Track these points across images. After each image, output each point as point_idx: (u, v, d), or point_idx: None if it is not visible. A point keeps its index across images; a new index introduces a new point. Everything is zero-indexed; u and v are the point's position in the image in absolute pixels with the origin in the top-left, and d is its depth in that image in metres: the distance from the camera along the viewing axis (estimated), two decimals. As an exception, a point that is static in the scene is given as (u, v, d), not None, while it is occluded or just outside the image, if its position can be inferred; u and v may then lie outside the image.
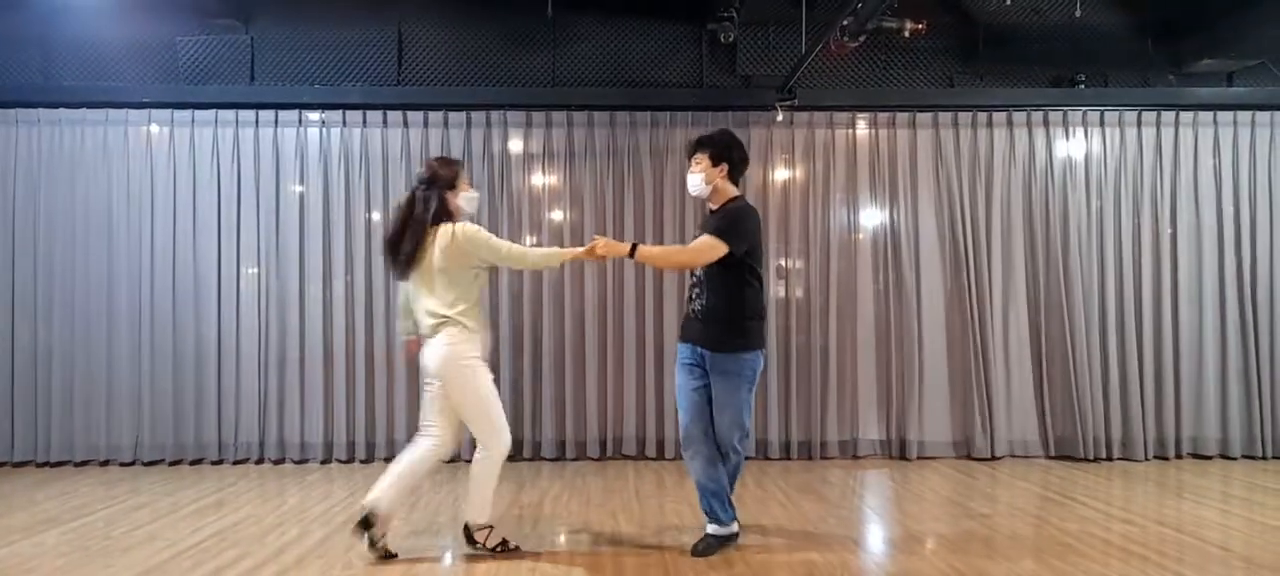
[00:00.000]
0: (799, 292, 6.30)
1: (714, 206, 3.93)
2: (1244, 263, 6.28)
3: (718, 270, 3.78)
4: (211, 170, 6.15)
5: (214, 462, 6.06)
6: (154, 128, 6.16)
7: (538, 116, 6.28)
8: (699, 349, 3.86)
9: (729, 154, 3.90)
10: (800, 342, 6.26)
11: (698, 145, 3.92)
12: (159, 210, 6.13)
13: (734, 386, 3.80)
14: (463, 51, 6.24)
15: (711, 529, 3.93)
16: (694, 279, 3.92)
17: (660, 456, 6.17)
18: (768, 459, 6.14)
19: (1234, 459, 6.16)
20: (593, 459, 6.15)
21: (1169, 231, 6.30)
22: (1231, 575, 3.55)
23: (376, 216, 6.21)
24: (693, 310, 3.90)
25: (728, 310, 3.79)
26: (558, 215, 6.28)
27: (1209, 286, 6.27)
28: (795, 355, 6.24)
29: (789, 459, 6.15)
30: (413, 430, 5.99)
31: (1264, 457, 6.16)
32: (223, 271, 6.13)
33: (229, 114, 6.15)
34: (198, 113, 6.14)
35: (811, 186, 6.33)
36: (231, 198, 6.15)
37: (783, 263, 6.31)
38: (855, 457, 6.21)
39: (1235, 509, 4.74)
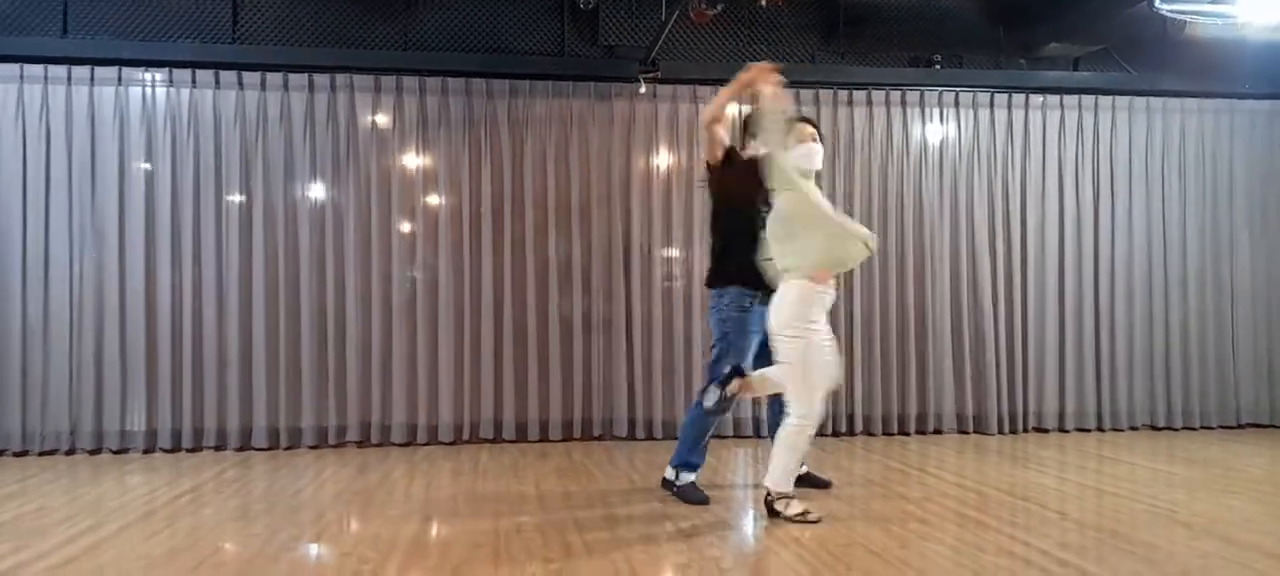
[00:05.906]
0: (678, 277, 6.19)
1: None
2: (1086, 240, 6.50)
3: None
4: (16, 132, 5.55)
5: (17, 454, 5.48)
6: (-54, 83, 5.53)
7: (388, 82, 5.93)
8: None
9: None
10: (664, 320, 6.15)
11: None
12: (-47, 175, 5.50)
13: None
14: (306, 9, 5.83)
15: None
16: None
17: (521, 439, 5.96)
18: (616, 438, 6.02)
19: (1068, 432, 6.38)
20: (445, 443, 5.88)
21: (1019, 209, 6.46)
22: (1066, 536, 3.60)
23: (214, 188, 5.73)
24: None
25: None
26: (410, 187, 5.95)
27: (1052, 264, 6.46)
28: (674, 335, 6.14)
29: (634, 439, 6.04)
30: (246, 413, 5.67)
31: (1101, 430, 6.43)
32: (28, 245, 5.54)
33: (36, 69, 5.55)
34: (-1, 67, 5.54)
35: (676, 161, 6.21)
36: (39, 162, 5.56)
37: (652, 237, 6.16)
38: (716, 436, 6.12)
39: (1071, 476, 4.88)
